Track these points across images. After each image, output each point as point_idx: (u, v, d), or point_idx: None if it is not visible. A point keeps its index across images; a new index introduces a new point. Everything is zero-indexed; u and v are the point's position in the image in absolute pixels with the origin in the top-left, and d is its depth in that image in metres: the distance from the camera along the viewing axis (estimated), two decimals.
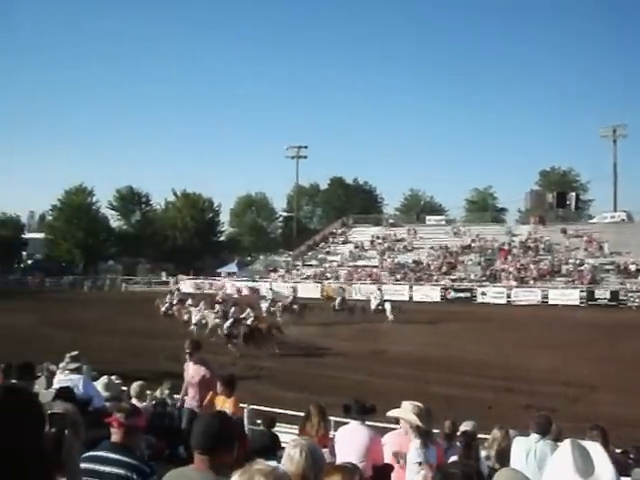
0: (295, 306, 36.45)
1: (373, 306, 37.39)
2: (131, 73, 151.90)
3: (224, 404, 9.30)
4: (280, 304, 36.21)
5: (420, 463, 6.14)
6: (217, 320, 27.85)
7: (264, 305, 36.51)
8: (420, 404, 7.27)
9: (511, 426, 8.47)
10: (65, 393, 6.76)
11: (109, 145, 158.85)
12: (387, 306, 35.72)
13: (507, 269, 50.99)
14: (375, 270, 56.35)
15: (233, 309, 27.32)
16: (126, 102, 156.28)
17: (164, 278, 65.17)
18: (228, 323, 26.07)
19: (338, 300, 38.89)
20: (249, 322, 26.01)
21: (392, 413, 7.00)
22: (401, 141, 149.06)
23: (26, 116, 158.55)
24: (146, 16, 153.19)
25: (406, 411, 6.77)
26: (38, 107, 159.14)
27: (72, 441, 2.53)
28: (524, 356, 22.73)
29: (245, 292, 51.68)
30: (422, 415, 6.83)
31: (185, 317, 32.08)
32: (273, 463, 6.79)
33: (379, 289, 41.56)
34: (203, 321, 29.08)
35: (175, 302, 35.69)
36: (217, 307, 30.08)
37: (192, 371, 10.46)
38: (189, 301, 34.48)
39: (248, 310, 27.32)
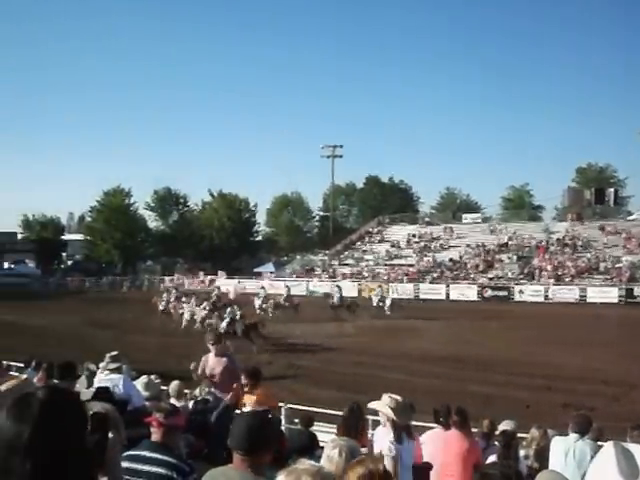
0: (287, 303, 37.80)
1: (374, 303, 38.48)
2: (168, 75, 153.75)
3: (249, 399, 9.34)
4: (272, 301, 37.72)
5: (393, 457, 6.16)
6: (203, 313, 30.33)
7: (257, 302, 37.61)
8: (399, 398, 7.30)
9: (549, 425, 8.37)
10: (103, 393, 6.86)
11: (147, 147, 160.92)
12: (387, 302, 37.70)
13: (544, 267, 50.42)
14: (411, 269, 56.13)
15: (229, 309, 28.28)
16: (163, 104, 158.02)
17: (201, 278, 65.57)
18: (225, 323, 27.05)
19: (336, 297, 39.09)
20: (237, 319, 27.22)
21: (371, 405, 7.01)
22: (437, 139, 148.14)
23: (64, 120, 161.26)
24: (184, 19, 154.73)
25: (383, 404, 6.80)
26: (75, 111, 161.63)
27: (115, 441, 2.59)
28: (562, 354, 22.44)
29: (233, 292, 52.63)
30: (398, 409, 6.86)
31: (180, 313, 33.44)
32: (311, 462, 6.83)
33: (379, 286, 43.50)
34: (194, 317, 30.92)
35: (172, 300, 36.98)
36: (205, 303, 32.19)
37: (212, 363, 10.38)
38: (183, 299, 36.31)
39: (235, 307, 28.47)
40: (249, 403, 9.14)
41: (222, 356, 10.40)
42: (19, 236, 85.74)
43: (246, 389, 9.55)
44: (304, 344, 26.02)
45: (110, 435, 2.55)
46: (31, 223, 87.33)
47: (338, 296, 39.05)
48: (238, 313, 27.61)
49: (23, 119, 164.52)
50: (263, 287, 44.15)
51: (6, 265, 77.13)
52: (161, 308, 36.61)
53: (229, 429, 3.74)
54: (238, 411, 9.35)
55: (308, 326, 30.92)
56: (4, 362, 13.66)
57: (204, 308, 31.44)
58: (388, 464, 5.88)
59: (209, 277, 64.23)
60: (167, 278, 65.97)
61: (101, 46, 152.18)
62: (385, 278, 54.62)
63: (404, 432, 6.74)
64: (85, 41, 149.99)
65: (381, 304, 37.95)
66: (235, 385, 9.80)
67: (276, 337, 27.58)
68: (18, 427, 1.71)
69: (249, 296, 41.12)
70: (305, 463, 2.54)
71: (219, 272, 64.58)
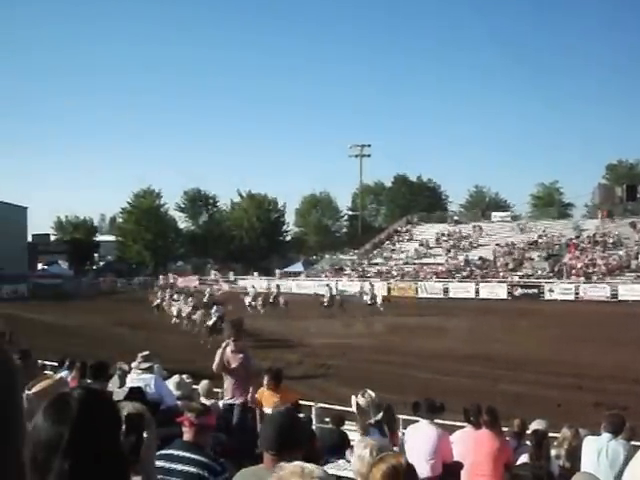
0: (276, 300, 39.30)
1: (368, 301, 39.56)
2: (198, 78, 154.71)
3: (271, 399, 9.38)
4: (261, 299, 38.84)
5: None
6: (188, 310, 31.49)
7: (247, 300, 38.89)
8: (372, 394, 7.36)
9: (580, 424, 8.29)
10: (136, 393, 6.95)
11: (177, 148, 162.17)
12: (378, 300, 38.80)
13: (575, 265, 49.90)
14: (441, 267, 55.93)
15: (215, 307, 29.17)
16: (192, 106, 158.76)
17: (232, 277, 65.96)
18: (211, 321, 27.90)
19: (327, 296, 40.34)
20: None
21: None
22: (465, 137, 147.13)
23: (96, 123, 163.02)
24: (212, 21, 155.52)
25: (353, 399, 6.91)
26: (106, 114, 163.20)
27: (150, 441, 2.64)
28: (592, 353, 22.21)
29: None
30: (362, 406, 6.92)
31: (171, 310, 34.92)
32: (342, 462, 6.90)
33: (371, 284, 44.12)
34: (183, 313, 32.06)
35: (167, 297, 38.99)
36: (190, 299, 34.12)
37: (229, 358, 10.24)
38: (175, 296, 38.34)
39: (221, 306, 29.68)
40: (272, 403, 9.19)
41: (240, 352, 10.37)
42: (52, 237, 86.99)
43: (267, 389, 9.60)
44: (334, 343, 26.04)
45: (145, 435, 2.60)
46: (64, 225, 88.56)
47: (329, 295, 40.36)
48: (222, 311, 28.69)
49: (55, 123, 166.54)
50: (253, 286, 45.44)
51: (40, 266, 78.16)
52: (156, 304, 38.88)
53: (246, 427, 3.78)
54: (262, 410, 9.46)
55: (339, 326, 30.98)
56: (39, 361, 13.90)
57: (189, 305, 32.73)
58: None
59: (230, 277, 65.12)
60: (161, 277, 67.25)
61: (132, 50, 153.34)
62: (415, 277, 54.62)
63: (375, 428, 6.83)
64: (117, 46, 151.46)
65: (372, 301, 39.04)
66: (251, 384, 9.85)
67: (304, 336, 27.65)
68: (57, 428, 1.75)
69: (239, 295, 43.36)
70: (287, 466, 2.56)
71: (254, 273, 64.99)
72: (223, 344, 10.32)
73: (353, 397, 7.39)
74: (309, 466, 2.46)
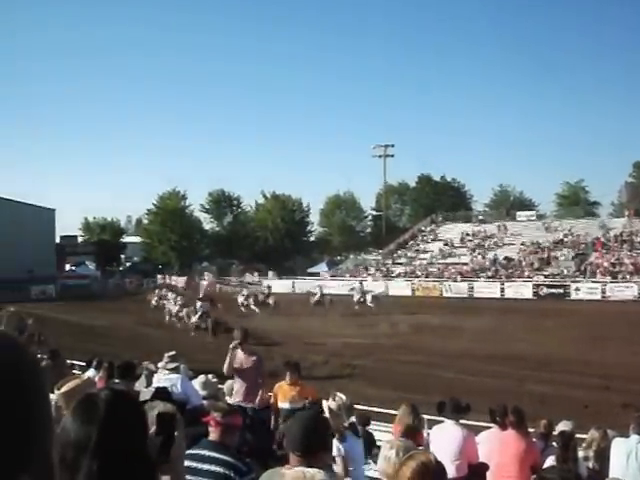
0: (268, 300, 40.38)
1: (355, 299, 40.50)
2: (220, 79, 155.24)
3: (290, 392, 9.39)
4: (252, 299, 39.86)
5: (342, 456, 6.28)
6: (176, 308, 32.85)
7: (240, 299, 39.85)
8: (342, 397, 7.37)
9: (608, 426, 8.23)
10: (162, 393, 7.02)
11: (201, 150, 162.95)
12: (368, 297, 39.93)
13: (601, 264, 49.38)
14: (465, 267, 55.68)
15: (200, 304, 30.55)
16: (215, 107, 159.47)
17: (256, 278, 66.14)
18: (196, 317, 29.55)
19: (318, 295, 42.07)
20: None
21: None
22: (489, 136, 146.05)
23: (121, 126, 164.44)
24: (237, 21, 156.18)
25: (324, 403, 6.99)
26: (132, 117, 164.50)
27: (180, 441, 2.66)
28: (619, 353, 21.96)
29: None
30: (334, 409, 6.94)
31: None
32: (368, 461, 6.93)
33: (360, 283, 45.25)
34: (172, 312, 33.41)
35: (162, 297, 40.82)
36: (178, 298, 35.68)
37: (240, 359, 10.23)
38: (168, 295, 40.00)
39: (205, 304, 30.94)
40: (291, 397, 9.22)
41: (251, 354, 10.37)
42: (79, 239, 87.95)
43: (287, 383, 9.61)
44: (358, 343, 26.05)
45: (177, 435, 2.63)
46: (91, 226, 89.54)
47: (319, 294, 42.07)
48: (206, 307, 30.19)
49: (83, 126, 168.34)
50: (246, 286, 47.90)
51: (67, 267, 79.01)
52: (153, 303, 40.75)
53: (261, 429, 3.79)
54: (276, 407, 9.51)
55: (363, 326, 30.95)
56: (67, 361, 14.06)
57: (176, 304, 34.09)
58: (338, 463, 6.12)
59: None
60: (159, 276, 69.12)
61: (159, 55, 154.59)
62: (439, 277, 54.46)
63: (349, 431, 6.87)
64: (144, 50, 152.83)
65: (362, 299, 40.11)
66: (261, 387, 9.85)
67: (332, 337, 27.67)
68: (85, 428, 1.78)
69: (232, 294, 45.50)
70: (287, 473, 2.57)
71: (269, 272, 65.23)
72: (231, 346, 10.35)
73: (324, 401, 7.46)
74: (311, 471, 2.47)
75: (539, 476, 6.69)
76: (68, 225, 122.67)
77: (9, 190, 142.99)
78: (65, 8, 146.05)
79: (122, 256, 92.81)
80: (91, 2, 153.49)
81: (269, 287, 46.02)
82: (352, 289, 43.85)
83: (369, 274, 59.64)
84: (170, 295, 39.82)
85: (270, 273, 64.81)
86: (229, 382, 10.18)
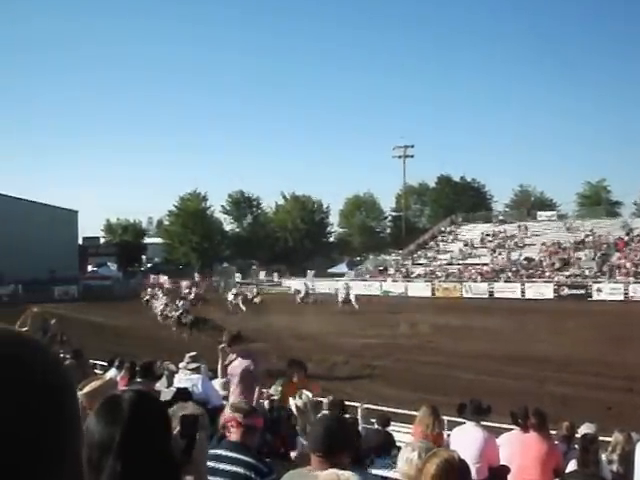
0: (256, 300, 41.61)
1: (340, 299, 41.46)
2: (240, 81, 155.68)
3: (299, 391, 9.36)
4: (241, 297, 41.30)
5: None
6: (162, 307, 33.85)
7: (230, 296, 41.71)
8: (309, 395, 7.37)
9: (632, 428, 8.15)
10: (183, 394, 7.07)
11: (221, 151, 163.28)
12: (352, 297, 40.94)
13: (623, 264, 48.93)
14: (485, 268, 55.45)
15: (182, 302, 31.66)
16: (234, 109, 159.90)
17: (276, 279, 66.30)
18: (177, 313, 30.54)
19: (303, 293, 44.51)
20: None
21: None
22: (509, 136, 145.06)
23: (141, 129, 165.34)
24: (250, 22, 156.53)
25: (291, 401, 7.11)
26: (152, 119, 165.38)
27: (203, 442, 2.68)
28: None
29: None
30: (300, 407, 6.96)
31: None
32: (387, 462, 6.93)
33: (346, 284, 45.68)
34: (157, 311, 34.66)
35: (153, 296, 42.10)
36: (164, 297, 36.72)
37: (235, 362, 9.92)
38: (159, 294, 41.30)
39: (187, 301, 32.36)
40: (304, 394, 9.22)
41: (246, 357, 10.04)
42: (101, 240, 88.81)
43: (295, 381, 9.59)
44: (379, 344, 26.05)
45: (200, 436, 2.65)
46: (113, 227, 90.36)
47: (304, 292, 44.49)
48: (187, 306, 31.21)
49: (104, 127, 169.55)
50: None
51: (89, 268, 79.71)
52: (144, 302, 42.67)
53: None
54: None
55: (382, 327, 30.94)
56: (90, 360, 14.19)
57: (161, 303, 35.41)
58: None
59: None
60: (152, 276, 69.79)
61: (178, 54, 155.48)
62: (459, 277, 54.30)
63: None
64: (165, 48, 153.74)
65: (346, 300, 41.10)
66: (257, 388, 9.76)
67: (352, 339, 27.68)
68: (109, 429, 1.83)
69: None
70: (321, 474, 2.57)
71: (308, 272, 65.41)
72: (219, 347, 10.29)
73: (291, 399, 7.50)
74: (345, 474, 2.48)
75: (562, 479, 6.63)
76: (90, 226, 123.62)
77: (32, 192, 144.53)
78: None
79: (143, 257, 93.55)
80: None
81: (257, 286, 48.81)
82: (337, 289, 45.19)
83: (389, 275, 59.64)
84: (160, 294, 40.84)
85: (309, 272, 64.62)
86: None
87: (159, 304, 35.40)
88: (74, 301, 51.38)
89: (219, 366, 10.23)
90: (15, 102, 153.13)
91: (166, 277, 66.55)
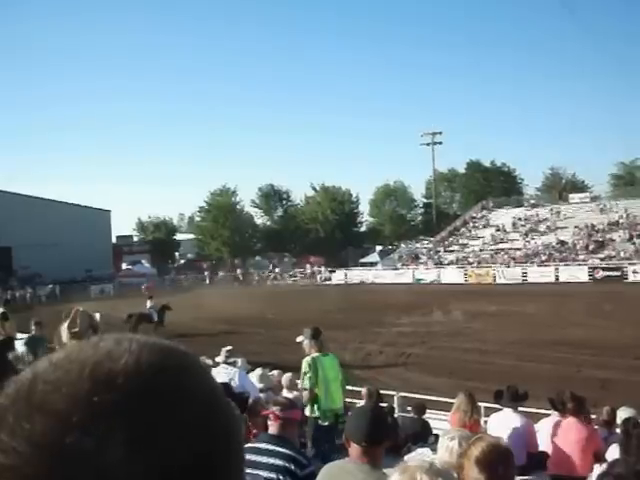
0: None
1: None
2: (266, 75, 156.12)
3: None
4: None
5: None
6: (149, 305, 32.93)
7: None
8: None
9: None
10: (222, 388, 7.21)
11: (249, 145, 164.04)
12: None
13: None
14: (518, 252, 55.07)
15: (149, 302, 31.08)
16: (261, 104, 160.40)
17: (308, 271, 66.52)
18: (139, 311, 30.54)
19: None
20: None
21: None
22: (538, 119, 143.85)
23: (169, 125, 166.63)
24: (274, 17, 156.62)
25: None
26: (183, 118, 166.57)
27: (242, 437, 2.78)
28: None
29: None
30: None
31: None
32: (425, 450, 6.98)
33: None
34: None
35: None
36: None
37: None
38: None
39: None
40: None
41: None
42: (135, 238, 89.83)
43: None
44: (413, 332, 26.06)
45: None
46: (145, 225, 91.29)
47: None
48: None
49: (134, 126, 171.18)
50: None
51: (124, 266, 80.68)
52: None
53: None
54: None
55: (416, 315, 30.93)
56: None
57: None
58: None
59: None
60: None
61: (206, 48, 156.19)
62: (492, 263, 54.00)
63: None
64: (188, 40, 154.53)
65: None
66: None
67: (387, 327, 27.72)
68: None
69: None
70: (416, 459, 2.58)
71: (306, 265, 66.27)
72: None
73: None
74: (437, 465, 2.48)
75: (608, 472, 6.56)
76: (122, 225, 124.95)
77: (66, 194, 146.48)
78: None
79: (176, 253, 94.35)
80: None
81: None
82: None
83: (421, 262, 59.53)
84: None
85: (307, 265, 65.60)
86: (287, 375, 10.32)
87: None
88: (110, 299, 52.05)
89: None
90: (46, 103, 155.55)
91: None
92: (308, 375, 8.15)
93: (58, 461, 0.61)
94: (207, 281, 68.85)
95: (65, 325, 4.94)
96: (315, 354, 8.41)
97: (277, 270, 69.62)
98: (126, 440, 0.62)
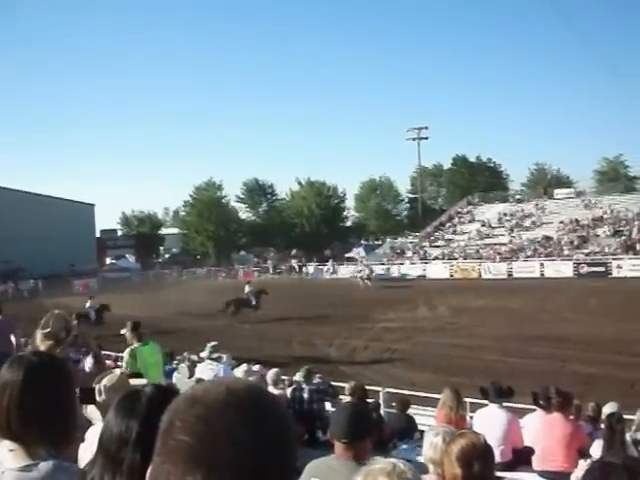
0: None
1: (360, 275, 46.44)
2: (259, 69, 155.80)
3: None
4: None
5: None
6: None
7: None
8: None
9: None
10: None
11: (234, 140, 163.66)
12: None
13: None
14: (504, 247, 55.16)
15: (89, 302, 31.76)
16: (246, 95, 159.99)
17: (295, 266, 66.45)
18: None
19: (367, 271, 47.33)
20: None
21: None
22: (523, 114, 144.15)
23: (154, 120, 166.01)
24: (282, 19, 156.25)
25: None
26: (164, 110, 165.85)
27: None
28: None
29: None
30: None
31: None
32: (408, 446, 6.89)
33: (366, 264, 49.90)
34: None
35: None
36: None
37: None
38: None
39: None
40: None
41: None
42: (119, 232, 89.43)
43: None
44: (399, 328, 26.01)
45: None
46: (129, 219, 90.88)
47: (367, 271, 47.23)
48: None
49: (118, 119, 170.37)
50: None
51: (108, 260, 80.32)
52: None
53: None
54: None
55: (401, 310, 30.90)
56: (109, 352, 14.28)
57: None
58: None
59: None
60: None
61: (201, 41, 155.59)
62: (477, 258, 54.06)
63: None
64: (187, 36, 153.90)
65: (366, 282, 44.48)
66: None
67: (373, 322, 27.66)
68: (127, 422, 1.91)
69: None
70: (380, 461, 2.53)
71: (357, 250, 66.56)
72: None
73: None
74: (402, 465, 2.43)
75: (599, 461, 6.46)
76: (106, 219, 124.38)
77: (49, 188, 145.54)
78: None
79: (161, 248, 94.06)
80: None
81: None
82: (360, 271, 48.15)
83: (406, 257, 59.53)
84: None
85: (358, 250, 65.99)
86: (272, 371, 10.23)
87: None
88: (94, 294, 51.72)
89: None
90: (31, 97, 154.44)
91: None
92: (129, 363, 8.60)
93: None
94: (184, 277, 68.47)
95: (39, 327, 4.91)
96: (135, 344, 8.90)
97: (269, 263, 69.24)
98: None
